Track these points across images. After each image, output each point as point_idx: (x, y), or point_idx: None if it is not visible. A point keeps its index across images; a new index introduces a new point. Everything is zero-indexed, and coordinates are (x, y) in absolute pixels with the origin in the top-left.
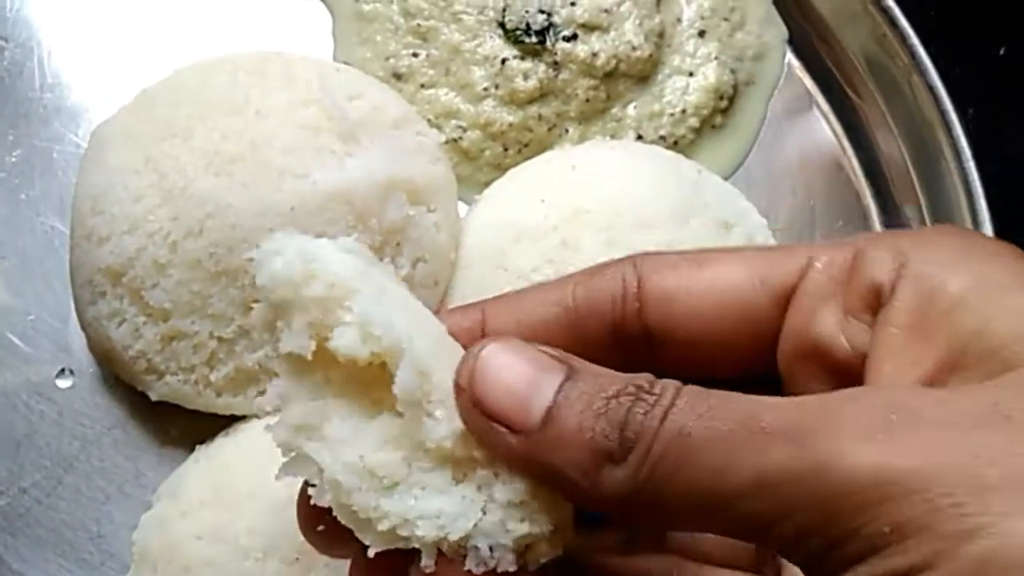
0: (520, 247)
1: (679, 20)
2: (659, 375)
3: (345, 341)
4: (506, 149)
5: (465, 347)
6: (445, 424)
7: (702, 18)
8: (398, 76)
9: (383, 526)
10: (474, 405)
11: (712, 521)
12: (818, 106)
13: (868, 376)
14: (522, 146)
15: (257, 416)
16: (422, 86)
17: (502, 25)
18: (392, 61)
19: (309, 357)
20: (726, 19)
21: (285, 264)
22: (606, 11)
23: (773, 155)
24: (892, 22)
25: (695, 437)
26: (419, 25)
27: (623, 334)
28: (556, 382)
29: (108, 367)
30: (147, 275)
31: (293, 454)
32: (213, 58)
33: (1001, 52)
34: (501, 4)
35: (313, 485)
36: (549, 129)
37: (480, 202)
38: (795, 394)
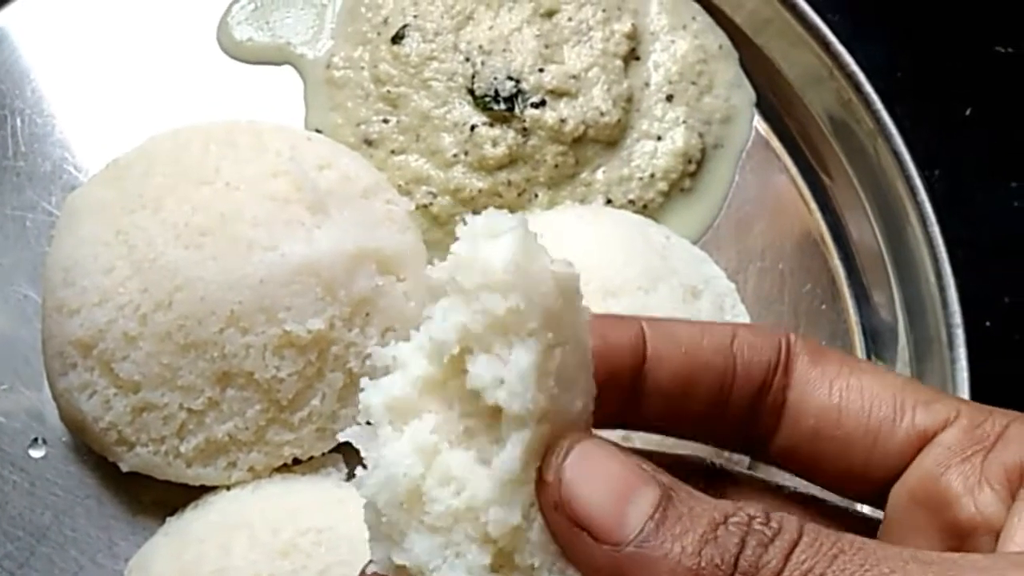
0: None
1: (647, 84)
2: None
3: (478, 372)
4: (476, 215)
5: (614, 361)
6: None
7: (670, 82)
8: (369, 142)
9: None
10: (559, 506)
11: None
12: (786, 169)
13: (1001, 544)
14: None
15: (227, 487)
16: (392, 152)
17: (471, 92)
18: (363, 127)
19: (450, 351)
20: (694, 83)
21: (503, 256)
22: (574, 77)
23: (741, 218)
24: (857, 87)
25: None
26: (389, 92)
27: (755, 404)
28: (654, 497)
29: (80, 437)
30: (117, 347)
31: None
32: (184, 127)
33: (967, 113)
34: (470, 71)
35: None
36: (519, 194)
37: None
38: (894, 533)
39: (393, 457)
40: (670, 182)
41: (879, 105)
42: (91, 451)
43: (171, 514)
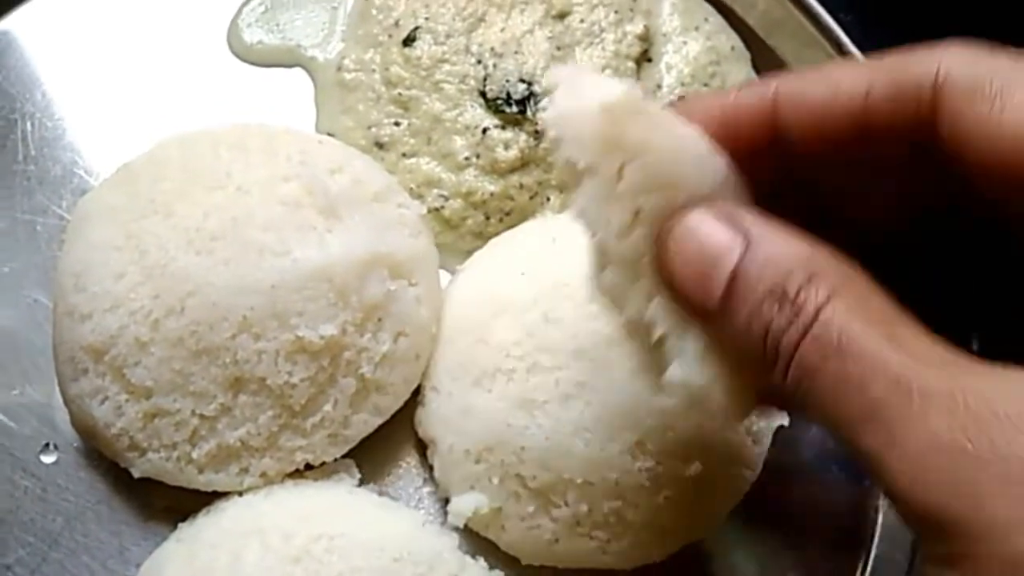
0: (501, 321)
1: (659, 87)
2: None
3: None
4: (488, 218)
5: (741, 128)
6: None
7: (682, 84)
8: (380, 145)
9: None
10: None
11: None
12: None
13: None
14: (504, 215)
15: (239, 493)
16: (403, 155)
17: (483, 94)
18: (374, 130)
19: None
20: (706, 84)
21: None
22: None
23: None
24: None
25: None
26: (400, 94)
27: (912, 141)
28: (734, 258)
29: (91, 443)
30: (129, 353)
31: None
32: (195, 131)
33: None
34: (482, 73)
35: None
36: (531, 197)
37: (461, 274)
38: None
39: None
40: None
41: None
42: (102, 457)
43: (183, 520)
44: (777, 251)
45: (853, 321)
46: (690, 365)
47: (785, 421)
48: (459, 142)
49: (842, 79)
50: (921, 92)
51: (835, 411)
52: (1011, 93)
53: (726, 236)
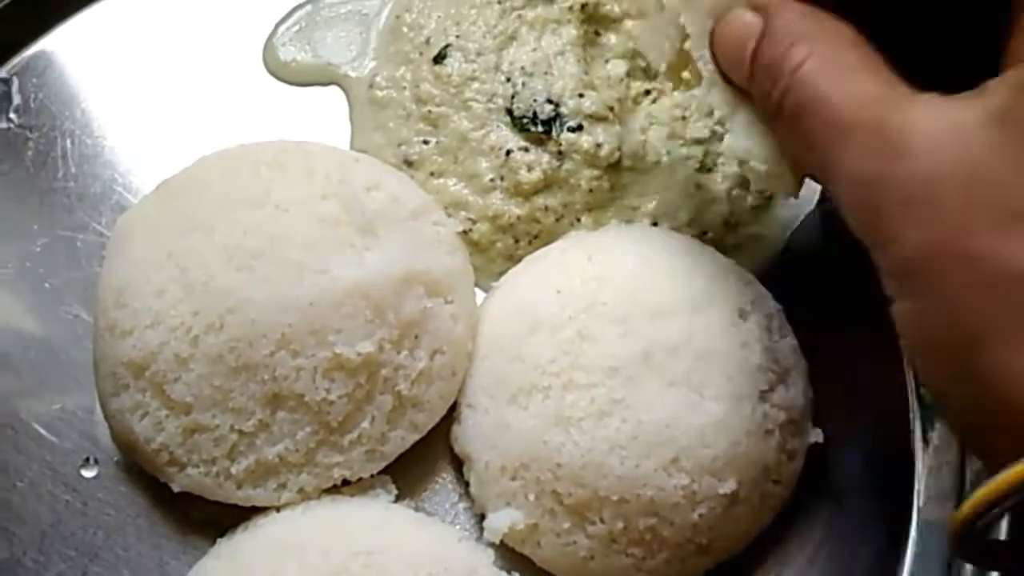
0: (537, 338)
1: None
2: None
3: None
4: (517, 241)
5: None
6: None
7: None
8: (409, 163)
9: None
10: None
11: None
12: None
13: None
14: (532, 237)
15: (277, 509)
16: (431, 174)
17: (510, 112)
18: (404, 148)
19: None
20: None
21: None
22: (611, 108)
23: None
24: None
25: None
26: (430, 112)
27: None
28: (754, 37)
29: (131, 457)
30: (169, 369)
31: None
32: (234, 148)
33: None
34: (510, 92)
35: None
36: (557, 220)
37: (497, 290)
38: None
39: None
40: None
41: None
42: (143, 471)
43: (222, 534)
44: (778, 25)
45: (819, 76)
46: (737, 136)
47: (820, 438)
48: (484, 163)
49: None
50: None
51: (802, 156)
52: None
53: (750, 20)
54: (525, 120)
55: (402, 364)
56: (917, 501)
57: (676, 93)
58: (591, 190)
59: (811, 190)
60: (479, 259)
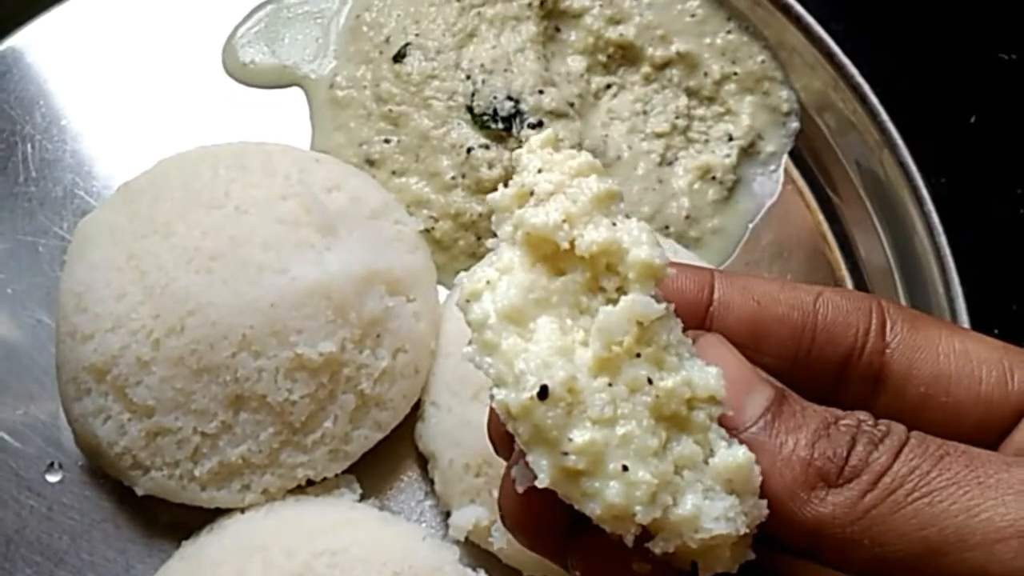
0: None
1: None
2: None
3: (606, 235)
4: (479, 238)
5: (681, 312)
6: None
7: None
8: (371, 162)
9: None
10: None
11: (916, 567)
12: (792, 181)
13: None
14: (493, 235)
15: (241, 510)
16: (393, 173)
17: (470, 110)
18: (365, 147)
19: (557, 233)
20: None
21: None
22: (571, 104)
23: (749, 230)
24: (862, 99)
25: (932, 481)
26: (391, 110)
27: (844, 369)
28: (770, 393)
29: (95, 462)
30: (131, 372)
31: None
32: (193, 150)
33: (972, 120)
34: (470, 89)
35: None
36: None
37: (459, 288)
38: None
39: (537, 363)
40: None
41: (884, 116)
42: (107, 475)
43: (186, 537)
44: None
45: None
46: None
47: None
48: (445, 161)
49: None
50: None
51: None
52: None
53: (757, 372)
54: (485, 117)
55: (364, 363)
56: None
57: (637, 87)
58: None
59: (772, 182)
60: (441, 257)
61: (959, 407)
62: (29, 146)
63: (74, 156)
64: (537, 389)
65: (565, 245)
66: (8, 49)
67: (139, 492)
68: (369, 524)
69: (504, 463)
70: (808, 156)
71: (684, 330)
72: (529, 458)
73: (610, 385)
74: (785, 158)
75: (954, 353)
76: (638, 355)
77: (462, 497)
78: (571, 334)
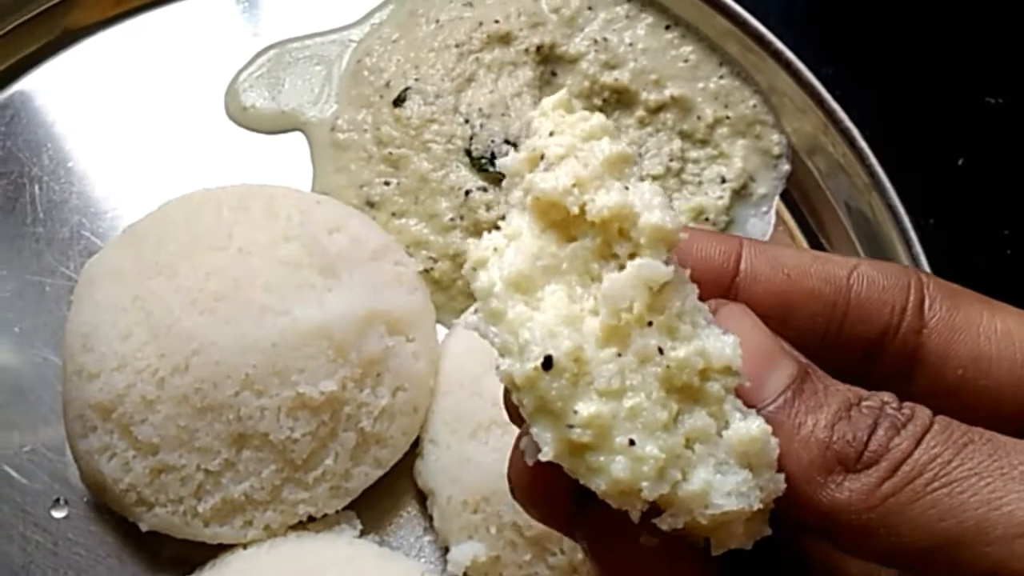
0: (495, 374)
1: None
2: None
3: (620, 199)
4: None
5: (705, 282)
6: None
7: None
8: (371, 204)
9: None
10: None
11: (932, 559)
12: (784, 222)
13: None
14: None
15: (243, 545)
16: (393, 214)
17: (468, 153)
18: (365, 189)
19: (567, 197)
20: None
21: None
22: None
23: None
24: (851, 142)
25: (953, 471)
26: (391, 153)
27: (878, 346)
28: (792, 370)
29: (100, 498)
30: (136, 411)
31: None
32: (197, 192)
33: (959, 163)
34: (469, 133)
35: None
36: None
37: (457, 327)
38: None
39: (542, 332)
40: None
41: (873, 159)
42: (112, 511)
43: (190, 572)
44: (833, 380)
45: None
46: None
47: None
48: (444, 203)
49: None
50: None
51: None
52: None
53: (782, 346)
54: (483, 160)
55: (365, 402)
56: None
57: (632, 130)
58: None
59: (764, 223)
60: (440, 297)
61: (1000, 390)
62: (37, 188)
63: (80, 197)
64: (541, 359)
65: (575, 210)
66: (17, 93)
67: (143, 528)
68: (369, 559)
69: (502, 500)
70: (799, 198)
71: (704, 299)
72: (533, 430)
73: (619, 355)
74: (776, 200)
75: (995, 334)
76: (650, 323)
77: (460, 533)
78: (581, 302)
